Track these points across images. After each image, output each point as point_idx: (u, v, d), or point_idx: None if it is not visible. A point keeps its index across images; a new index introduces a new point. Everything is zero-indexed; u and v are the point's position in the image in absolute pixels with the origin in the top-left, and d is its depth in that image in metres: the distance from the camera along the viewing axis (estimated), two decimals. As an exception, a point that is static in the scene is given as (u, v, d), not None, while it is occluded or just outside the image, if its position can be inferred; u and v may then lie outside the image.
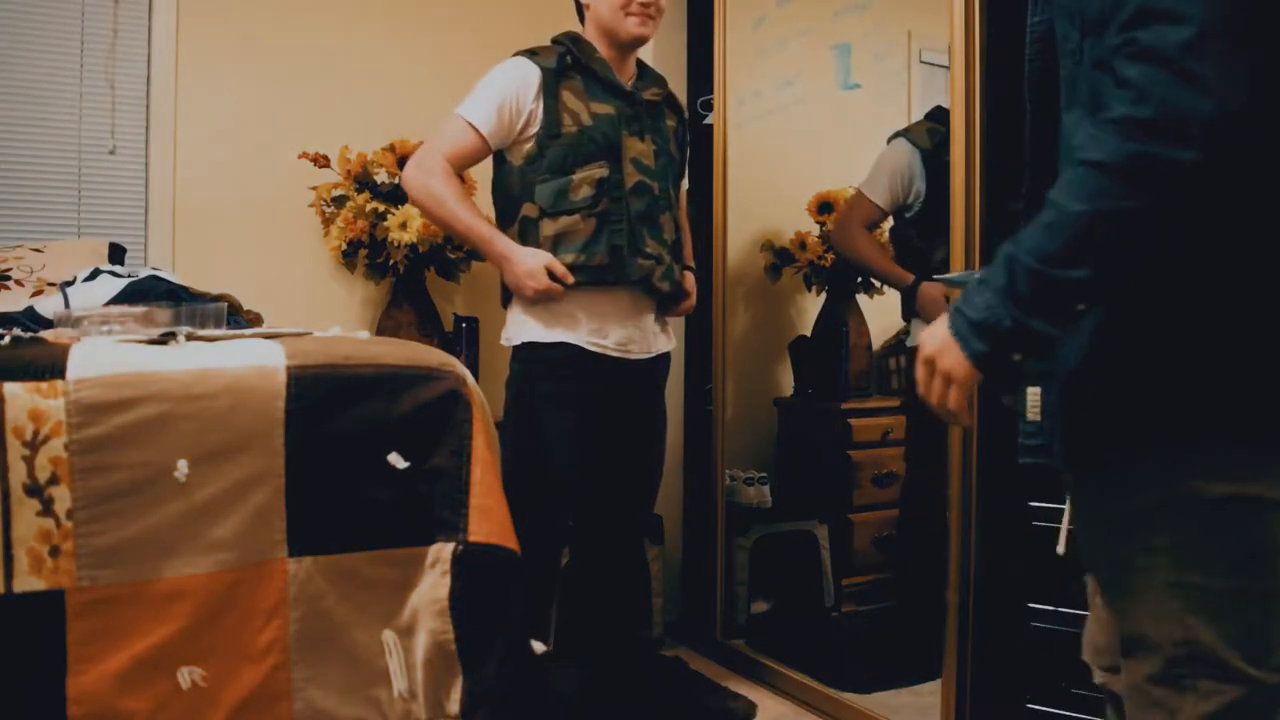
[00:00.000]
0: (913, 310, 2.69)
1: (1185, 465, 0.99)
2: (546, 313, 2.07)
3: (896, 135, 2.67)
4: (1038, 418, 1.16)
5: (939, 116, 2.61)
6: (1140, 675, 1.06)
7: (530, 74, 2.06)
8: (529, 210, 2.06)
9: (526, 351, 2.10)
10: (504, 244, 2.04)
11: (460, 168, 2.09)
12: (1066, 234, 0.93)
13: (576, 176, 2.03)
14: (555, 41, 2.14)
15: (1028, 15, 1.18)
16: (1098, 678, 1.32)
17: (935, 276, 2.58)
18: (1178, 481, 1.00)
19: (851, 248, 2.72)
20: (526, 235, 2.06)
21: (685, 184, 2.39)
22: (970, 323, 1.00)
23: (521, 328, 2.10)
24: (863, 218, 2.68)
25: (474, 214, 2.06)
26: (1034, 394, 1.16)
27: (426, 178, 2.05)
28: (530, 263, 2.00)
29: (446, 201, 2.04)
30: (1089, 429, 1.06)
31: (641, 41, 2.14)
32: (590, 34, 2.15)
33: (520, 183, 2.07)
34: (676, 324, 2.53)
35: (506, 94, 2.05)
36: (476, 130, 2.05)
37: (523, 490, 2.07)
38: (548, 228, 2.04)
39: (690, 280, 2.29)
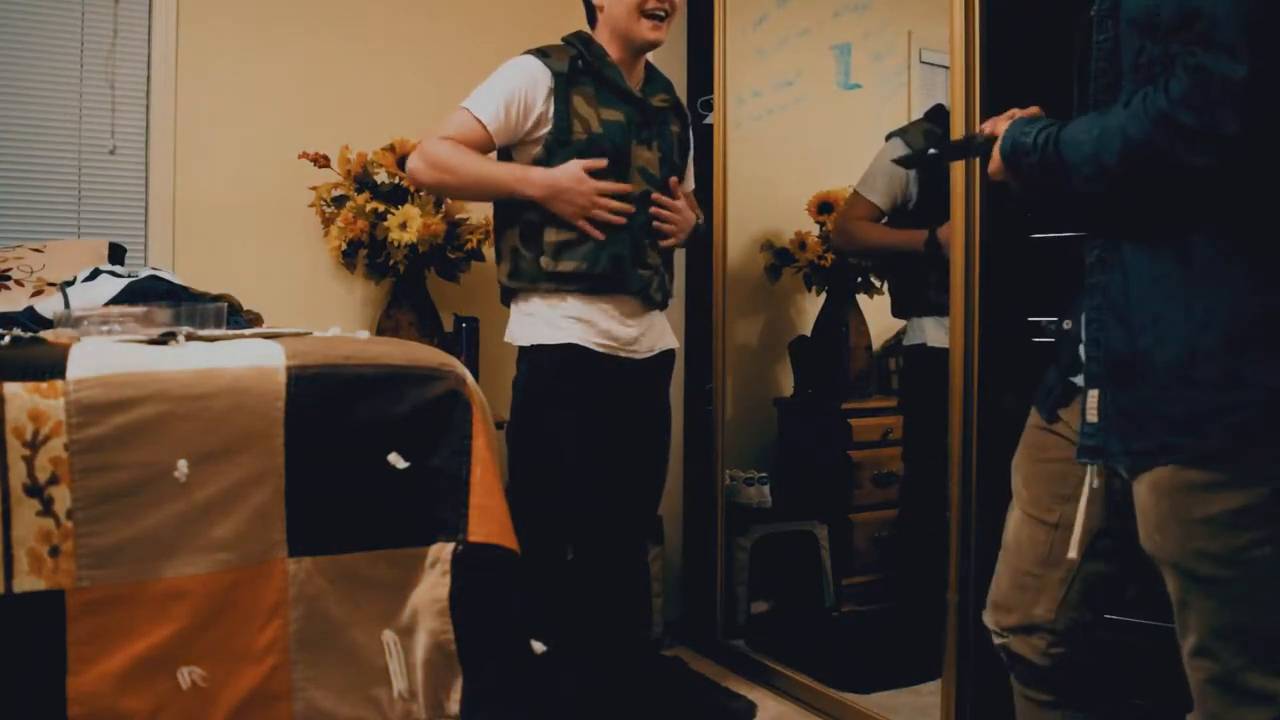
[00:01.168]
0: (908, 307, 2.70)
1: None
2: (553, 314, 2.07)
3: (892, 135, 2.67)
4: (1096, 419, 1.22)
5: (936, 116, 2.61)
6: (1234, 666, 1.10)
7: (541, 75, 2.05)
8: (532, 215, 2.06)
9: (534, 353, 2.10)
10: (539, 173, 2.01)
11: None
12: (1093, 170, 1.16)
13: None
14: (566, 43, 2.13)
15: (1093, 32, 1.24)
16: (999, 640, 1.35)
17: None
18: None
19: (852, 238, 2.72)
20: (528, 240, 2.06)
21: (691, 185, 2.38)
22: (1018, 134, 1.28)
23: (529, 329, 2.10)
24: (861, 216, 2.68)
25: (494, 163, 2.05)
26: (1093, 396, 1.19)
27: (430, 156, 2.03)
28: (579, 188, 1.98)
29: (463, 164, 2.02)
30: (1213, 425, 1.10)
31: (654, 46, 2.13)
32: (602, 36, 2.14)
33: None
34: (676, 324, 2.53)
35: (515, 92, 2.04)
36: (482, 124, 2.03)
37: (532, 490, 2.08)
38: (551, 235, 2.04)
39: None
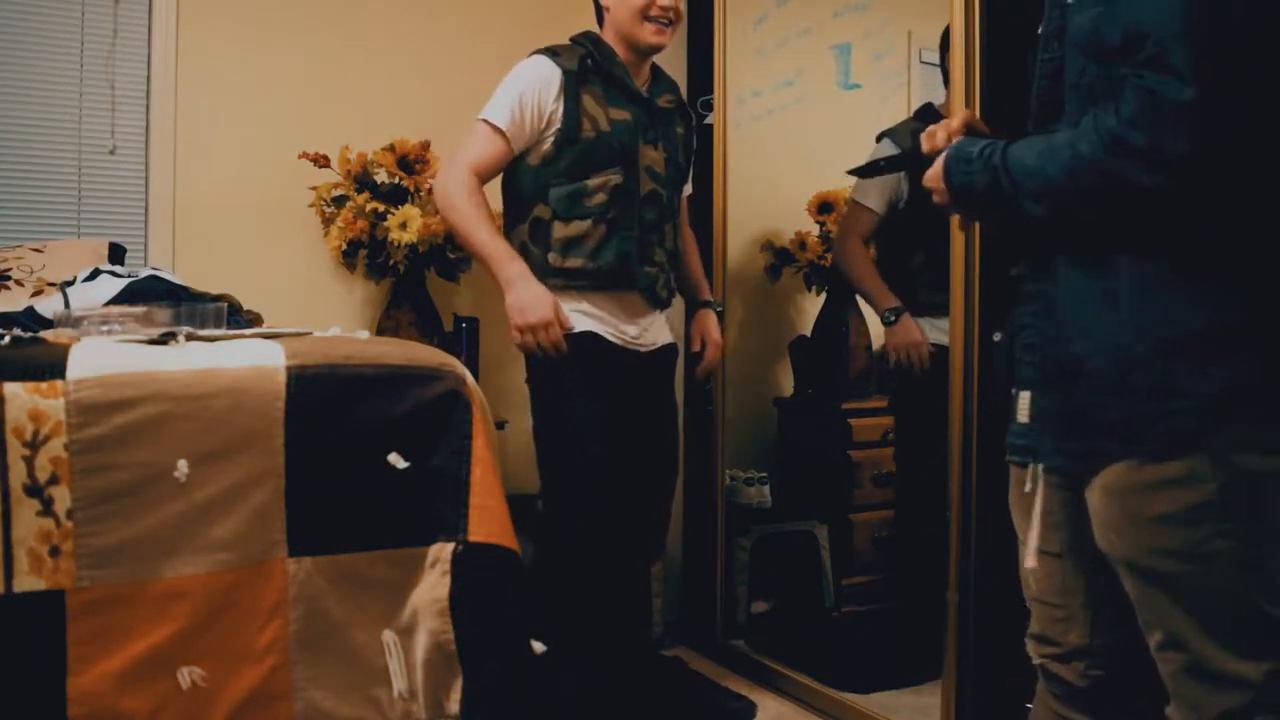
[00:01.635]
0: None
1: (1238, 449, 1.08)
2: (564, 309, 2.07)
3: (883, 135, 2.67)
4: (1027, 420, 1.24)
5: (925, 115, 2.61)
6: (1204, 654, 1.10)
7: (552, 75, 2.07)
8: (541, 212, 2.07)
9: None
10: (519, 271, 2.02)
11: (488, 176, 2.10)
12: (1038, 185, 1.15)
13: (591, 182, 2.04)
14: (575, 42, 2.15)
15: (1038, 51, 1.23)
16: (1037, 660, 1.35)
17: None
18: (1234, 465, 1.08)
19: (844, 263, 2.71)
20: (537, 236, 2.08)
21: (689, 189, 2.39)
22: (954, 163, 1.26)
23: None
24: (862, 229, 2.68)
25: (492, 233, 2.04)
26: (1025, 398, 1.20)
27: (451, 194, 2.05)
28: (542, 307, 1.99)
29: (466, 219, 2.03)
30: (1153, 426, 1.11)
31: (656, 50, 2.15)
32: (608, 36, 2.16)
33: (534, 183, 2.08)
34: (677, 325, 2.53)
35: (526, 93, 2.06)
36: (502, 134, 2.05)
37: (556, 482, 2.08)
38: (559, 230, 2.05)
39: (714, 324, 2.35)
